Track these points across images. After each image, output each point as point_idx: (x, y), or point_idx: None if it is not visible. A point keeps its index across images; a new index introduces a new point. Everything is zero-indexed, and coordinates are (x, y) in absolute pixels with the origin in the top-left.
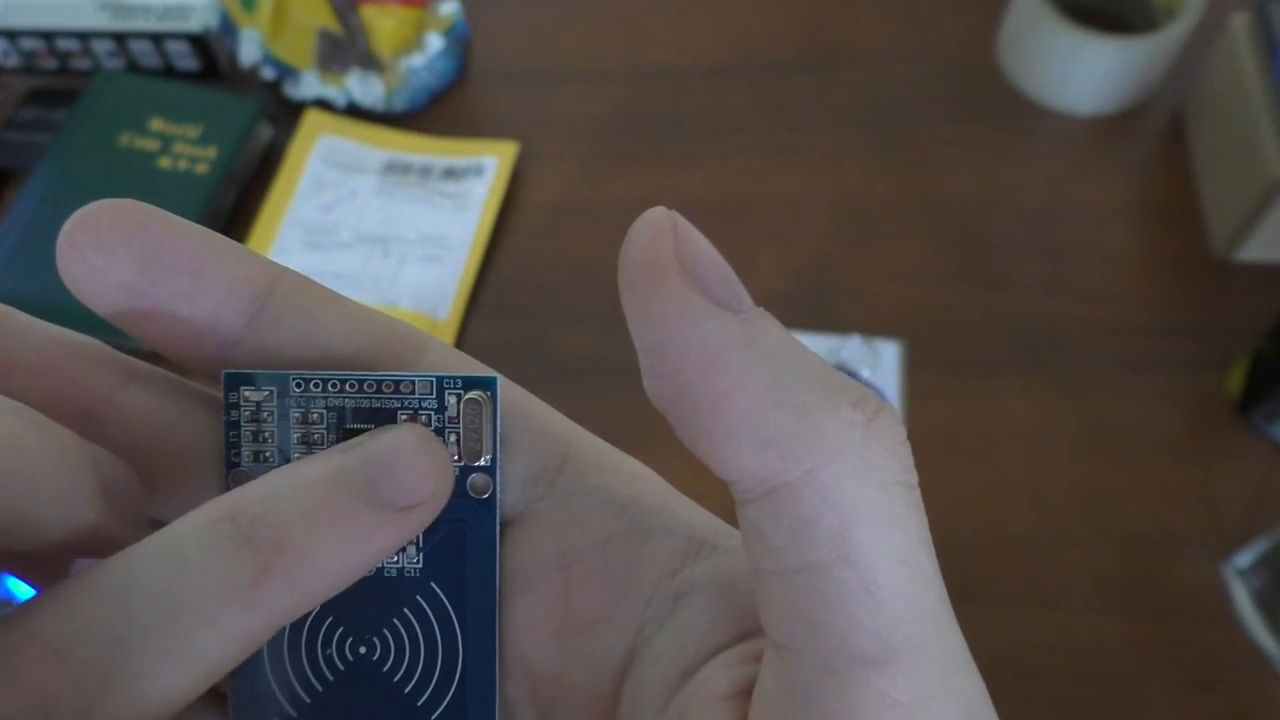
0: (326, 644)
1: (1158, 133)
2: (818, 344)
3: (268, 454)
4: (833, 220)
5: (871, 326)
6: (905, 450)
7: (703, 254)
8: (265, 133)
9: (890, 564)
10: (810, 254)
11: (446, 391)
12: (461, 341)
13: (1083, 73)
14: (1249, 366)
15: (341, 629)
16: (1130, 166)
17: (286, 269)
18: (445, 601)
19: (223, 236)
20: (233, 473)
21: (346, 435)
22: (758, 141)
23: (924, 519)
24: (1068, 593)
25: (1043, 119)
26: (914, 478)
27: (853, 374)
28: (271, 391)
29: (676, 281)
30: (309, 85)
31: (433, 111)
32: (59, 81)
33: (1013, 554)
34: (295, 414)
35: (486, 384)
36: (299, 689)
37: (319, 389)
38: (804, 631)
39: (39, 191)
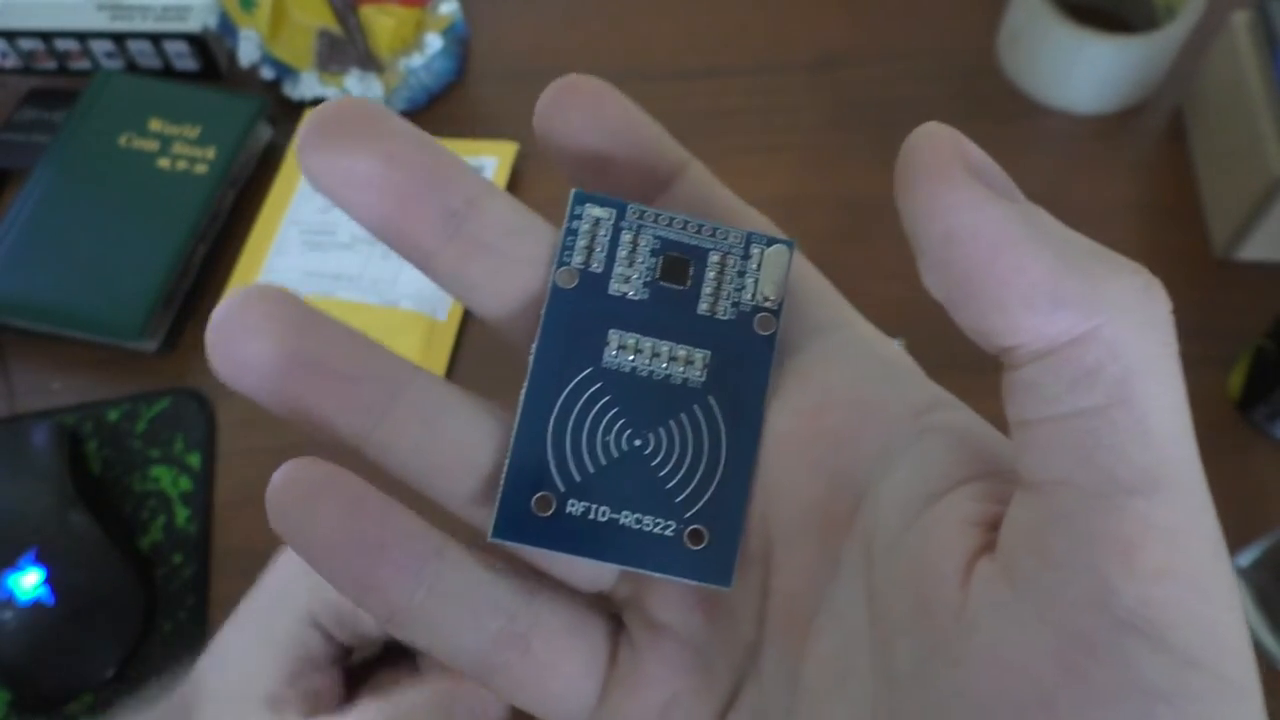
0: (607, 431)
1: (1158, 132)
2: None
3: (595, 262)
4: (833, 220)
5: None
6: (1172, 321)
7: (979, 155)
8: (264, 133)
9: (1162, 409)
10: (810, 254)
11: (752, 245)
12: (461, 341)
13: (1083, 72)
14: (1249, 366)
15: (623, 421)
16: (1130, 166)
17: (696, 162)
18: (718, 414)
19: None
20: (560, 270)
21: (666, 262)
22: (758, 141)
23: (1184, 384)
24: None
25: (1043, 118)
26: (1177, 348)
27: None
28: (612, 212)
29: (963, 175)
30: (308, 85)
31: (432, 111)
32: (58, 82)
33: None
34: (626, 235)
35: (787, 243)
36: (572, 465)
37: (652, 220)
38: (1072, 466)
39: (38, 192)
